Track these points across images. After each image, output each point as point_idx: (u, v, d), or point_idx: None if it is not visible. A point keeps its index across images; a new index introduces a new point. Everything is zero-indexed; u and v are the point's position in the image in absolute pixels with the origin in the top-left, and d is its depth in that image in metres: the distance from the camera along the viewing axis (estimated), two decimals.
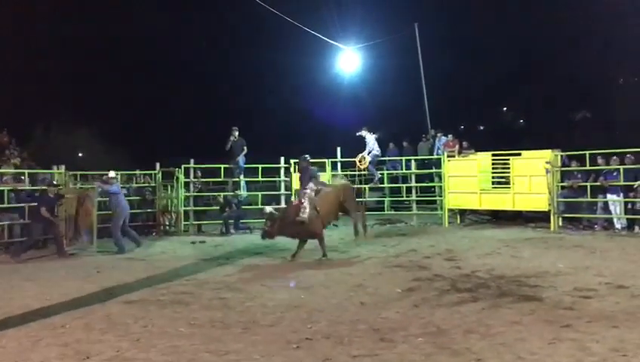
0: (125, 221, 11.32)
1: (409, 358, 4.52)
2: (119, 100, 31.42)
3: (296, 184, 13.73)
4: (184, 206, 14.11)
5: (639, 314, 5.46)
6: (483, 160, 14.01)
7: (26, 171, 12.75)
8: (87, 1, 28.91)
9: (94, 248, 11.13)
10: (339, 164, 15.20)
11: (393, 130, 22.63)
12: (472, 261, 8.82)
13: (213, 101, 32.23)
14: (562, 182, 12.68)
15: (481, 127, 33.42)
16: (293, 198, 12.39)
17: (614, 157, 12.05)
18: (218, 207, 14.26)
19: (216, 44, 33.86)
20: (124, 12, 30.35)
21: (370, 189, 15.34)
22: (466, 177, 13.90)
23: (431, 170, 15.49)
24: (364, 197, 14.57)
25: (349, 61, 20.07)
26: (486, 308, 5.89)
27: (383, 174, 15.26)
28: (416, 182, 15.17)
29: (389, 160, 16.22)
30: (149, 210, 13.91)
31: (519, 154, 13.45)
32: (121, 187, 12.02)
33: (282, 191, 14.97)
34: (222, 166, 14.51)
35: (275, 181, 16.79)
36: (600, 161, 12.27)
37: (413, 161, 15.28)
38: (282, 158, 14.74)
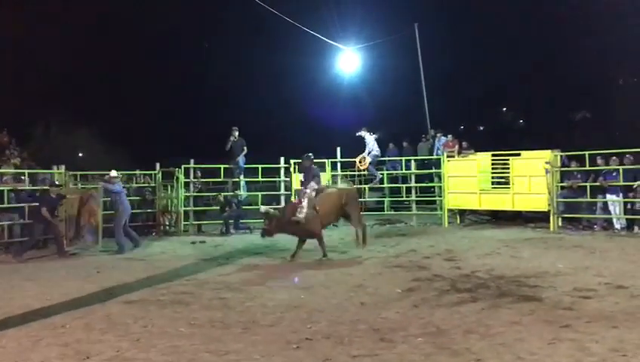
0: (126, 221, 11.34)
1: (409, 358, 4.53)
2: (119, 100, 31.42)
3: (296, 184, 13.75)
4: (184, 206, 14.11)
5: (639, 314, 5.47)
6: (483, 160, 14.02)
7: (26, 171, 12.75)
8: (87, 1, 28.90)
9: (99, 248, 11.13)
10: (339, 165, 15.21)
11: (393, 130, 22.61)
12: (472, 261, 8.83)
13: (213, 101, 32.22)
14: (562, 182, 12.70)
15: (481, 128, 33.40)
16: (293, 198, 12.40)
17: (614, 158, 12.06)
18: (218, 207, 14.26)
19: (216, 44, 33.89)
20: (124, 12, 30.34)
21: (370, 189, 15.36)
22: (465, 177, 13.92)
23: (431, 171, 15.52)
24: (364, 198, 14.58)
25: (348, 61, 20.09)
26: (486, 309, 5.90)
27: (382, 174, 15.27)
28: (416, 182, 15.18)
29: (389, 160, 16.23)
30: (149, 210, 13.92)
31: (519, 155, 13.46)
32: (122, 186, 12.03)
33: (282, 191, 14.98)
34: (222, 166, 14.51)
35: (275, 181, 16.80)
36: (599, 161, 12.28)
37: (412, 162, 15.29)
38: (282, 158, 14.75)
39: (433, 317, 5.67)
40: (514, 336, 4.94)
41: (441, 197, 14.61)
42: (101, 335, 5.33)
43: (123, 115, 31.25)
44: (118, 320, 5.83)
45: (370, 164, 14.53)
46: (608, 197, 12.06)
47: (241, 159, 14.29)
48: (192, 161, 14.39)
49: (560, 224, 12.52)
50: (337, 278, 7.85)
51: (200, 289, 7.24)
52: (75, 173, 13.61)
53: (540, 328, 5.14)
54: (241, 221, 13.93)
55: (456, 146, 15.02)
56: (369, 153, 14.45)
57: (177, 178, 13.99)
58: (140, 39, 31.02)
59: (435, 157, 15.62)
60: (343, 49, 19.22)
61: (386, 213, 15.17)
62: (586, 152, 12.38)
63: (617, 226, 11.99)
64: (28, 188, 11.99)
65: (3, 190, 11.31)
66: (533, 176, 12.71)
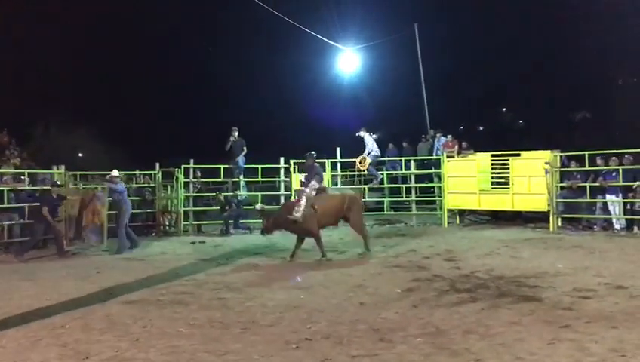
0: (126, 221, 11.36)
1: (408, 358, 4.53)
2: (119, 100, 31.43)
3: (296, 184, 13.75)
4: (184, 206, 14.11)
5: (638, 314, 5.46)
6: (482, 160, 14.02)
7: (26, 171, 12.75)
8: (87, 1, 28.90)
9: (104, 247, 11.12)
10: (338, 165, 15.20)
11: (393, 130, 22.65)
12: (472, 261, 8.83)
13: (213, 101, 32.24)
14: (561, 182, 12.69)
15: (481, 128, 33.41)
16: (293, 199, 12.39)
17: (613, 158, 12.06)
18: (218, 206, 14.26)
19: (216, 44, 33.90)
20: (124, 12, 30.34)
21: (370, 190, 15.35)
22: (465, 178, 13.91)
23: (430, 171, 15.52)
24: (364, 198, 14.56)
25: (348, 62, 20.12)
26: (485, 309, 5.90)
27: (382, 174, 15.27)
28: (416, 182, 15.18)
29: (389, 160, 16.23)
30: (148, 211, 13.92)
31: (518, 155, 13.45)
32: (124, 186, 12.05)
33: (282, 191, 14.98)
34: (222, 166, 14.51)
35: (274, 181, 16.80)
36: (599, 161, 12.28)
37: (412, 162, 15.29)
38: (282, 159, 14.74)
39: (433, 317, 5.67)
40: (513, 336, 4.94)
41: (440, 197, 14.61)
42: (100, 335, 5.33)
43: (123, 115, 31.26)
44: (118, 320, 5.84)
45: (370, 164, 14.52)
46: (608, 197, 12.05)
47: (240, 159, 14.29)
48: (191, 161, 14.39)
49: (560, 224, 12.52)
50: (337, 278, 7.84)
51: (199, 290, 7.24)
52: (74, 173, 13.60)
53: (540, 328, 5.14)
54: (240, 221, 13.93)
55: (456, 146, 15.03)
56: (369, 153, 14.45)
57: (177, 178, 13.99)
58: (140, 39, 31.02)
59: (434, 157, 15.62)
60: (343, 49, 19.25)
61: (385, 213, 15.16)
62: (586, 152, 12.38)
63: (617, 226, 11.98)
64: (28, 188, 11.99)
65: (3, 190, 11.31)
66: (532, 177, 12.70)
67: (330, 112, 28.51)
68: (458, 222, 14.31)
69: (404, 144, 17.07)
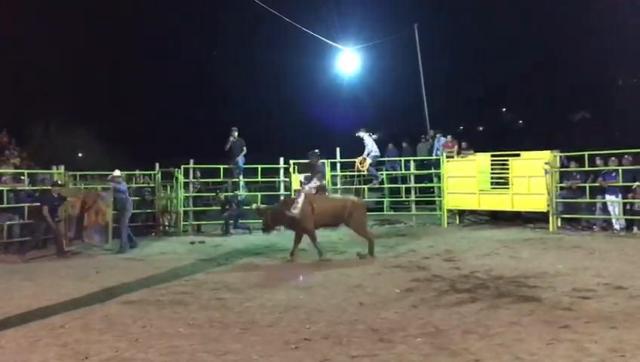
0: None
1: (407, 358, 4.53)
2: (119, 100, 31.43)
3: (295, 184, 13.75)
4: (183, 206, 14.11)
5: (638, 314, 5.47)
6: (482, 160, 14.02)
7: (26, 171, 12.75)
8: (87, 1, 28.90)
9: (108, 246, 11.12)
10: (338, 165, 15.20)
11: (392, 130, 22.65)
12: (471, 261, 8.83)
13: (213, 101, 32.24)
14: (561, 182, 12.69)
15: (481, 128, 33.42)
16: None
17: (613, 158, 12.06)
18: (219, 206, 14.24)
19: (216, 44, 33.92)
20: (124, 12, 30.35)
21: (370, 190, 15.34)
22: (465, 178, 13.92)
23: (430, 171, 15.52)
24: (364, 198, 14.55)
25: (348, 62, 20.11)
26: (485, 309, 5.90)
27: (382, 175, 15.26)
28: (416, 182, 15.18)
29: (388, 160, 16.23)
30: (148, 211, 13.92)
31: (518, 155, 13.46)
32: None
33: (282, 191, 14.97)
34: (221, 166, 14.51)
35: (274, 181, 16.79)
36: (599, 161, 12.28)
37: (412, 162, 15.29)
38: (282, 159, 14.74)
39: (432, 317, 5.67)
40: (513, 337, 4.94)
41: (440, 197, 14.61)
42: (100, 335, 5.33)
43: (123, 115, 31.27)
44: (117, 320, 5.83)
45: (370, 165, 14.51)
46: (607, 197, 12.06)
47: (240, 159, 14.29)
48: (191, 161, 14.38)
49: (559, 224, 12.52)
50: (336, 278, 7.85)
51: (199, 290, 7.24)
52: (74, 173, 13.60)
53: (539, 328, 5.14)
54: (240, 221, 13.92)
55: (456, 147, 15.03)
56: (368, 154, 14.44)
57: (177, 178, 13.98)
58: (140, 39, 31.03)
59: (434, 157, 15.63)
60: (343, 49, 19.23)
61: (385, 213, 15.16)
62: (586, 153, 12.38)
63: (616, 227, 11.98)
64: (27, 188, 11.99)
65: (2, 190, 11.31)
66: (532, 177, 12.71)
67: (330, 112, 28.52)
68: (458, 222, 14.32)
69: (404, 144, 17.08)
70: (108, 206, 11.20)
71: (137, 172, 15.15)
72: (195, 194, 14.44)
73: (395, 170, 16.02)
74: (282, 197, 14.60)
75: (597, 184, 12.10)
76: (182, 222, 14.00)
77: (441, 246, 10.54)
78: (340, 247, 10.67)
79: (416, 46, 19.86)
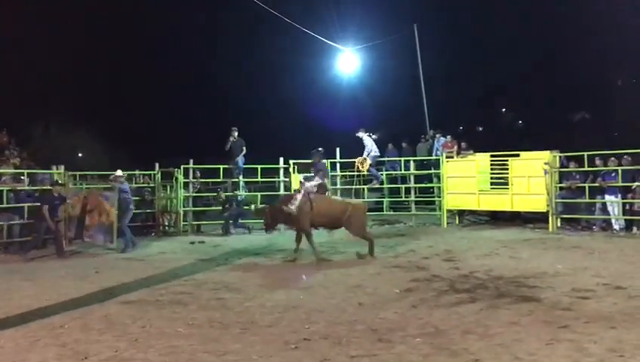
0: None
1: (407, 359, 4.53)
2: (119, 100, 31.45)
3: (295, 184, 13.75)
4: (183, 206, 14.11)
5: (637, 314, 5.47)
6: (482, 161, 14.02)
7: (25, 171, 12.75)
8: (87, 1, 28.92)
9: (113, 246, 11.12)
10: (338, 165, 15.20)
11: (392, 130, 22.66)
12: (471, 261, 8.83)
13: (213, 101, 32.27)
14: (561, 182, 12.69)
15: (480, 128, 33.43)
16: None
17: (612, 158, 12.07)
18: (219, 204, 14.23)
19: (216, 44, 33.92)
20: (124, 12, 30.36)
21: (370, 190, 15.35)
22: (464, 178, 13.92)
23: (430, 171, 15.52)
24: (364, 198, 14.56)
25: (348, 62, 20.12)
26: (484, 309, 5.90)
27: (382, 175, 15.26)
28: (415, 182, 15.18)
29: (388, 160, 16.23)
30: (148, 211, 13.92)
31: (518, 155, 13.45)
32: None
33: (281, 191, 14.96)
34: (221, 166, 14.51)
35: (274, 181, 16.79)
36: (598, 162, 12.28)
37: (412, 162, 15.29)
38: (281, 159, 14.74)
39: (432, 317, 5.67)
40: (512, 337, 4.94)
41: (440, 197, 14.61)
42: (99, 335, 5.33)
43: (123, 115, 31.30)
44: (117, 320, 5.84)
45: (370, 165, 14.51)
46: (607, 197, 12.06)
47: (240, 159, 14.30)
48: (191, 161, 14.38)
49: (559, 225, 12.52)
50: (336, 278, 7.84)
51: (199, 290, 7.24)
52: (74, 173, 13.60)
53: (539, 328, 5.15)
54: (240, 221, 13.93)
55: (455, 147, 15.03)
56: (368, 154, 14.44)
57: (176, 178, 13.98)
58: (140, 39, 31.05)
59: (434, 157, 15.63)
60: (343, 49, 19.24)
61: (385, 213, 15.16)
62: (585, 153, 12.38)
63: (616, 227, 11.99)
64: (27, 188, 11.99)
65: (2, 190, 11.31)
66: (532, 177, 12.71)
67: (330, 113, 28.55)
68: (457, 222, 14.32)
69: (404, 144, 17.08)
70: (112, 206, 11.18)
71: (137, 172, 15.15)
72: (194, 194, 14.44)
73: (394, 170, 16.02)
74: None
75: (596, 184, 12.10)
76: (182, 222, 14.00)
77: (441, 247, 10.54)
78: (339, 247, 10.66)
79: (415, 46, 19.87)
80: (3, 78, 23.31)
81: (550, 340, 4.80)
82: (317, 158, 10.06)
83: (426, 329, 5.26)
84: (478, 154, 14.30)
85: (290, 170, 14.41)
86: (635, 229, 11.62)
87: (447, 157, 14.57)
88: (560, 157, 12.90)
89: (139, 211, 13.48)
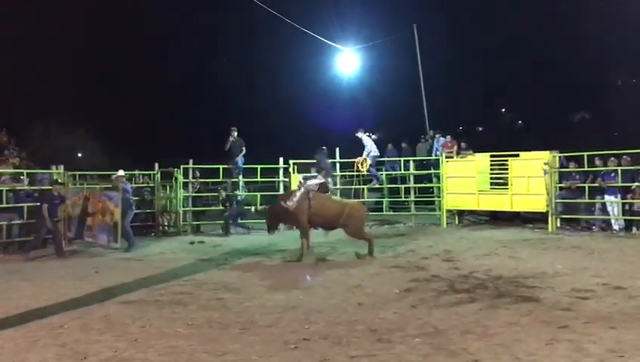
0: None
1: (406, 359, 4.53)
2: (119, 100, 31.45)
3: (295, 185, 13.74)
4: (183, 206, 14.10)
5: (637, 315, 5.47)
6: (481, 161, 14.02)
7: (25, 171, 12.74)
8: (87, 2, 28.92)
9: (117, 246, 11.12)
10: (338, 165, 15.19)
11: (392, 130, 22.67)
12: (470, 262, 8.83)
13: (213, 101, 32.27)
14: (560, 183, 12.69)
15: (480, 128, 33.45)
16: None
17: (612, 159, 12.06)
18: (219, 201, 14.22)
19: (216, 44, 33.93)
20: (124, 12, 30.37)
21: (369, 190, 15.35)
22: (464, 178, 13.91)
23: (429, 171, 15.51)
24: (363, 198, 14.56)
25: (347, 62, 20.12)
26: (483, 309, 5.90)
27: (381, 175, 15.26)
28: (415, 182, 15.17)
29: (388, 161, 16.23)
30: (147, 211, 13.91)
31: (517, 155, 13.45)
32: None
33: (281, 191, 14.95)
34: (221, 166, 14.51)
35: (273, 182, 16.79)
36: (598, 162, 12.27)
37: (411, 162, 15.28)
38: (281, 159, 14.73)
39: (431, 317, 5.67)
40: (512, 337, 4.94)
41: (439, 197, 14.60)
42: (99, 335, 5.33)
43: (123, 115, 31.29)
44: (116, 320, 5.83)
45: (370, 165, 14.51)
46: (606, 198, 12.06)
47: (239, 159, 14.30)
48: (190, 161, 14.38)
49: (558, 225, 12.52)
50: (335, 278, 7.84)
51: (198, 290, 7.24)
52: (73, 173, 13.59)
53: (538, 329, 5.15)
54: (240, 220, 13.92)
55: (455, 147, 15.02)
56: (368, 154, 14.44)
57: (176, 178, 13.97)
58: (140, 39, 31.05)
59: (433, 157, 15.62)
60: (342, 50, 19.24)
61: (384, 213, 15.14)
62: (585, 153, 12.38)
63: (615, 227, 11.98)
64: (26, 188, 11.98)
65: (1, 190, 11.30)
66: (531, 177, 12.70)
67: (330, 113, 28.56)
68: (457, 222, 14.31)
69: (403, 144, 17.08)
70: (117, 205, 11.16)
71: (137, 172, 15.13)
72: (194, 194, 14.44)
73: (394, 170, 16.02)
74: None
75: (596, 184, 12.10)
76: (181, 222, 13.99)
77: (440, 247, 10.54)
78: (339, 247, 10.66)
79: (415, 46, 19.87)
80: (3, 78, 23.32)
81: (550, 340, 4.80)
82: (321, 157, 10.03)
83: (425, 330, 5.26)
84: (477, 154, 14.29)
85: (290, 170, 14.40)
86: (634, 229, 11.62)
87: (446, 157, 14.57)
88: (560, 157, 12.90)
89: (138, 211, 13.46)
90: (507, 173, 13.33)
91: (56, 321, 5.81)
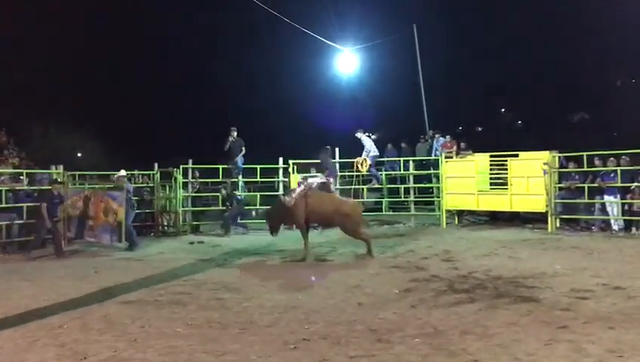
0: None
1: (406, 359, 4.53)
2: (118, 100, 31.44)
3: (294, 185, 13.75)
4: (182, 206, 14.10)
5: (636, 315, 5.47)
6: (481, 161, 14.02)
7: (24, 171, 12.74)
8: (87, 2, 28.91)
9: (120, 245, 11.11)
10: (337, 165, 15.18)
11: (392, 131, 22.68)
12: (470, 262, 8.83)
13: (213, 101, 32.27)
14: (560, 183, 12.69)
15: (480, 128, 33.46)
16: None
17: (611, 159, 12.07)
18: (220, 200, 14.20)
19: (216, 44, 33.93)
20: (124, 12, 30.36)
21: (369, 190, 15.35)
22: (463, 178, 13.91)
23: (429, 171, 15.51)
24: (363, 198, 14.56)
25: (347, 62, 20.11)
26: (483, 309, 5.90)
27: (381, 175, 15.26)
28: (415, 183, 15.18)
29: (388, 161, 16.23)
30: (147, 211, 13.91)
31: (517, 156, 13.45)
32: None
33: (280, 191, 14.95)
34: (220, 166, 14.51)
35: (273, 182, 16.79)
36: (597, 162, 12.28)
37: (411, 162, 15.28)
38: (281, 159, 14.73)
39: (430, 317, 5.68)
40: (511, 337, 4.94)
41: (439, 197, 14.60)
42: (98, 335, 5.33)
43: (122, 115, 31.29)
44: (116, 320, 5.83)
45: (370, 165, 14.51)
46: (606, 198, 12.06)
47: (239, 159, 14.30)
48: (190, 161, 14.38)
49: (558, 225, 12.52)
50: (335, 278, 7.85)
51: (198, 290, 7.24)
52: (73, 173, 13.59)
53: (537, 329, 5.15)
54: (239, 220, 13.92)
55: (455, 147, 15.02)
56: (368, 154, 14.44)
57: (175, 178, 13.97)
58: (140, 39, 31.04)
59: (433, 157, 15.62)
60: (342, 50, 19.24)
61: (384, 213, 15.14)
62: (584, 153, 12.38)
63: (615, 227, 11.99)
64: (26, 188, 11.98)
65: (1, 190, 11.30)
66: (531, 177, 12.70)
67: (329, 113, 28.55)
68: (456, 222, 14.31)
69: (403, 144, 17.07)
70: (120, 205, 11.15)
71: (136, 172, 15.14)
72: (193, 194, 14.43)
73: (394, 171, 16.02)
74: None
75: (595, 184, 12.10)
76: (181, 222, 13.99)
77: (440, 247, 10.54)
78: (338, 247, 10.66)
79: (415, 46, 19.87)
80: (3, 78, 23.33)
81: (549, 340, 4.80)
82: (324, 156, 10.01)
83: (424, 330, 5.26)
84: (477, 154, 14.29)
85: (290, 170, 14.40)
86: (634, 229, 11.63)
87: (446, 157, 14.57)
88: (559, 157, 12.90)
89: (138, 211, 13.46)
90: (507, 173, 13.33)
91: (56, 321, 5.81)
